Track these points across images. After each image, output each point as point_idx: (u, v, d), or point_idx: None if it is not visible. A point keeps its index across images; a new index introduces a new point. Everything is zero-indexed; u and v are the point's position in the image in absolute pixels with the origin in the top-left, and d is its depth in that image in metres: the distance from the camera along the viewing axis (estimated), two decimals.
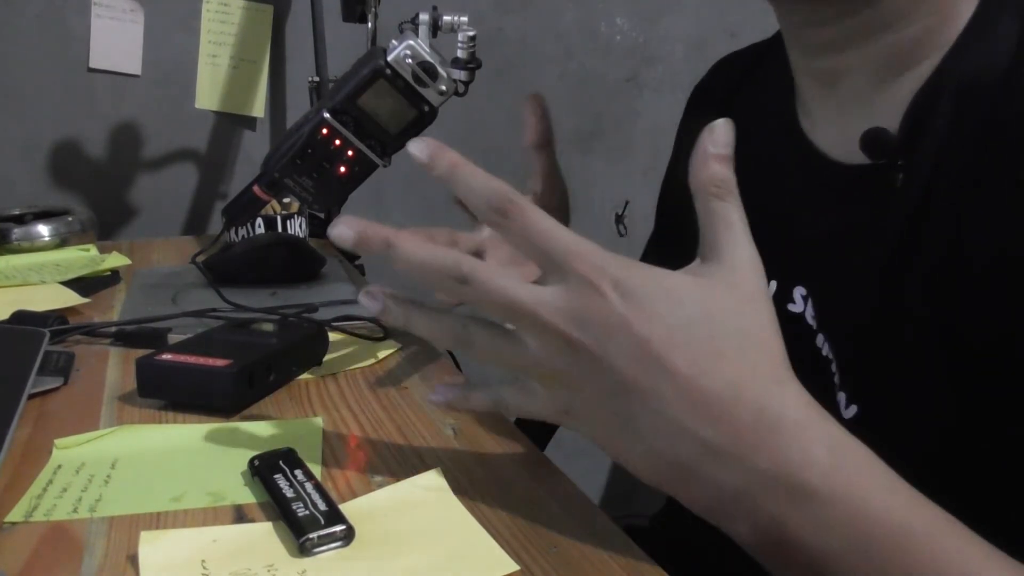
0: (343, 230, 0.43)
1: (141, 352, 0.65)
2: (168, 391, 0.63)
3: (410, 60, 0.64)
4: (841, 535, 0.38)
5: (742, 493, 0.39)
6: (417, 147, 0.42)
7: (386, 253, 0.43)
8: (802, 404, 0.40)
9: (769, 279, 0.60)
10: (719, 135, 0.43)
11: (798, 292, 0.58)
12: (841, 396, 0.54)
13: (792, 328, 0.57)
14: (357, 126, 0.66)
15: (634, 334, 0.39)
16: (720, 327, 0.40)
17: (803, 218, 0.58)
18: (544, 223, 0.41)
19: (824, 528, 0.38)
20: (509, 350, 0.42)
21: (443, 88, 0.65)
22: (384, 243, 0.43)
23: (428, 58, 0.64)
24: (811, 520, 0.38)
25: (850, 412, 0.53)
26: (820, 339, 0.56)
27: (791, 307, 0.58)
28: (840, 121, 0.56)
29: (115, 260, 1.04)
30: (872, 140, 0.52)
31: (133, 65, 1.37)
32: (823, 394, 0.54)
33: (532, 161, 0.60)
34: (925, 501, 0.39)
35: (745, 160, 0.66)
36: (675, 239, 0.76)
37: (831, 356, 0.55)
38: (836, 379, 0.54)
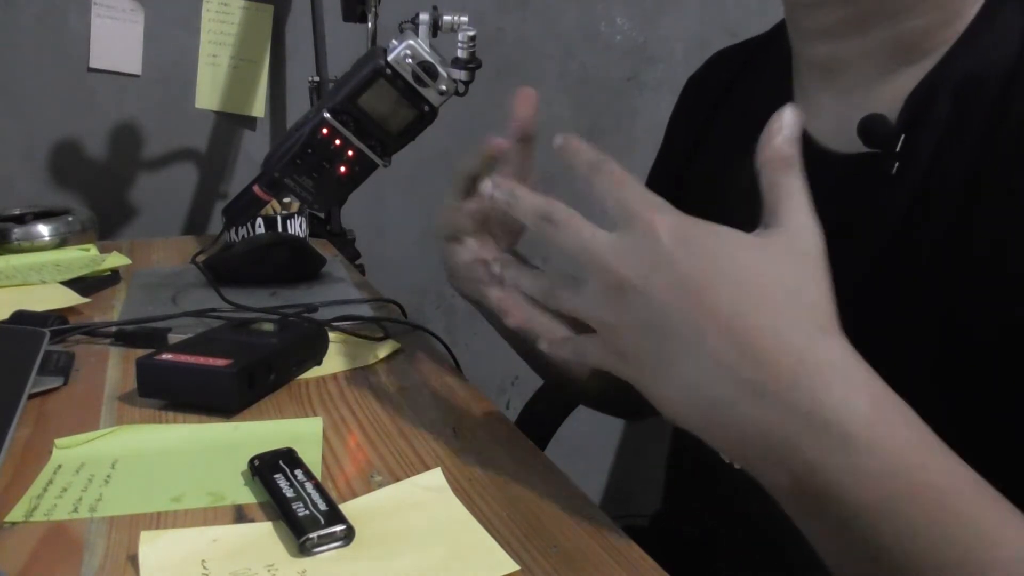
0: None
1: (141, 352, 0.65)
2: (168, 391, 0.63)
3: (410, 60, 0.64)
4: (878, 487, 0.37)
5: (780, 436, 0.38)
6: (557, 139, 0.47)
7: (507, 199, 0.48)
8: (848, 354, 0.40)
9: None
10: (786, 117, 0.43)
11: None
12: None
13: None
14: (357, 126, 0.66)
15: (676, 270, 0.40)
16: (769, 278, 0.40)
17: None
18: (625, 176, 0.44)
19: (862, 478, 0.37)
20: (575, 298, 0.45)
21: (443, 88, 0.65)
22: (510, 193, 0.48)
23: (428, 58, 0.64)
24: (849, 468, 0.37)
25: None
26: None
27: None
28: (839, 111, 0.56)
29: (115, 260, 1.03)
30: (870, 127, 0.52)
31: (133, 65, 1.37)
32: None
33: (510, 153, 0.60)
34: (964, 465, 0.38)
35: (741, 152, 0.66)
36: None
37: None
38: None
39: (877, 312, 0.51)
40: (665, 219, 0.41)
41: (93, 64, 1.35)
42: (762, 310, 0.39)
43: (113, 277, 1.00)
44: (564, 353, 0.48)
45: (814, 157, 0.58)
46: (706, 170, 0.70)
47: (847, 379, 0.39)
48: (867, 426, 0.37)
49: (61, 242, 1.13)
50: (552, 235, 0.45)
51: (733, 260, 0.40)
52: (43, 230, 1.13)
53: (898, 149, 0.51)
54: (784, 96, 0.62)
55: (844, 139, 0.55)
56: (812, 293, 0.40)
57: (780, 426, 0.38)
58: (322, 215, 1.31)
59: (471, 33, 0.67)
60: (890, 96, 0.53)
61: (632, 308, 0.41)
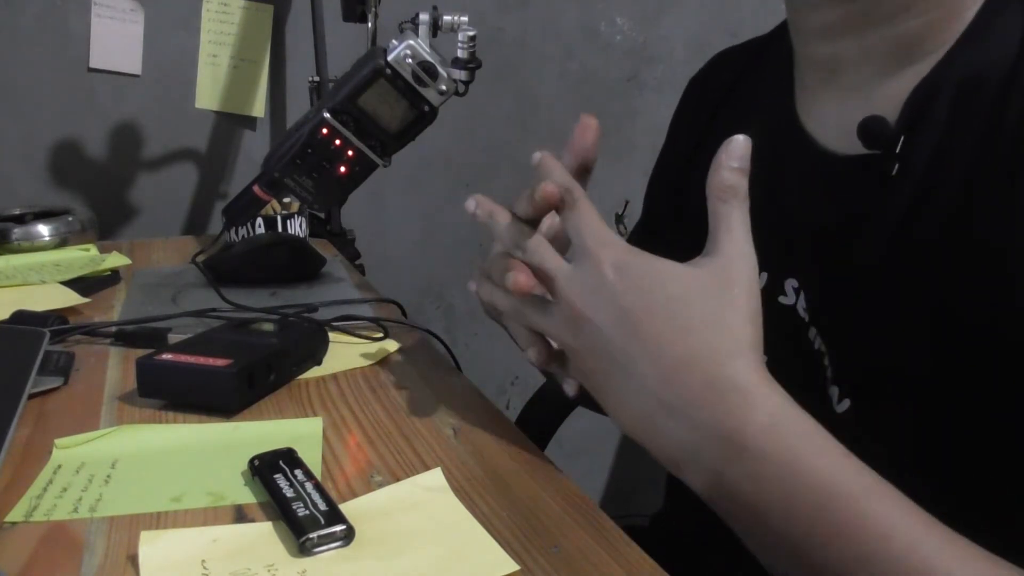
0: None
1: (141, 352, 0.65)
2: (168, 391, 0.63)
3: (410, 60, 0.64)
4: (772, 490, 0.42)
5: (690, 447, 0.45)
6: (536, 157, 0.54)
7: (486, 219, 0.55)
8: (752, 376, 0.44)
9: (760, 271, 0.60)
10: (734, 148, 0.47)
11: (790, 284, 0.58)
12: (834, 390, 0.54)
13: (783, 321, 0.57)
14: (357, 126, 0.66)
15: (618, 304, 0.47)
16: (694, 307, 0.46)
17: (798, 210, 0.58)
18: (589, 214, 0.50)
19: (757, 482, 0.42)
20: (543, 321, 0.52)
21: (443, 88, 0.65)
22: (488, 214, 0.55)
23: (428, 58, 0.64)
24: (745, 474, 0.43)
25: (843, 406, 0.53)
26: (812, 332, 0.56)
27: (782, 299, 0.58)
28: (839, 112, 0.56)
29: (115, 260, 1.03)
30: (869, 128, 0.52)
31: (133, 65, 1.37)
32: (814, 388, 0.55)
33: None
34: (858, 466, 0.42)
35: None
36: (662, 225, 0.76)
37: (823, 349, 0.55)
38: (828, 373, 0.54)
39: (877, 312, 0.51)
40: (609, 254, 0.48)
41: (93, 64, 1.35)
42: (681, 339, 0.45)
43: (113, 277, 1.00)
44: (548, 366, 0.54)
45: (815, 158, 0.58)
46: (708, 170, 0.69)
47: (747, 397, 0.44)
48: (759, 435, 0.43)
49: (61, 242, 1.13)
50: (523, 260, 0.52)
51: (664, 292, 0.46)
52: (43, 230, 1.12)
53: (898, 150, 0.51)
54: (786, 96, 0.62)
55: (845, 140, 0.55)
56: (731, 320, 0.45)
57: (690, 440, 0.44)
58: (322, 215, 1.31)
59: (471, 33, 0.67)
60: (890, 96, 0.53)
61: (585, 335, 0.48)
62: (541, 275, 0.51)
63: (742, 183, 0.47)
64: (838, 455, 0.42)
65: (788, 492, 0.42)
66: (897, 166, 0.51)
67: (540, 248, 0.52)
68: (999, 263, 0.46)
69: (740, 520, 0.45)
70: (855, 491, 0.41)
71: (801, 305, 0.57)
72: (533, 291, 0.52)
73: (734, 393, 0.44)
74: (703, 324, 0.45)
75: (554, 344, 0.54)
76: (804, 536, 0.41)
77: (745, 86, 0.70)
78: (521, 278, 0.51)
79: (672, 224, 0.73)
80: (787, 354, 0.58)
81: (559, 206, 0.51)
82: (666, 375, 0.45)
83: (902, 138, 0.51)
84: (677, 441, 0.45)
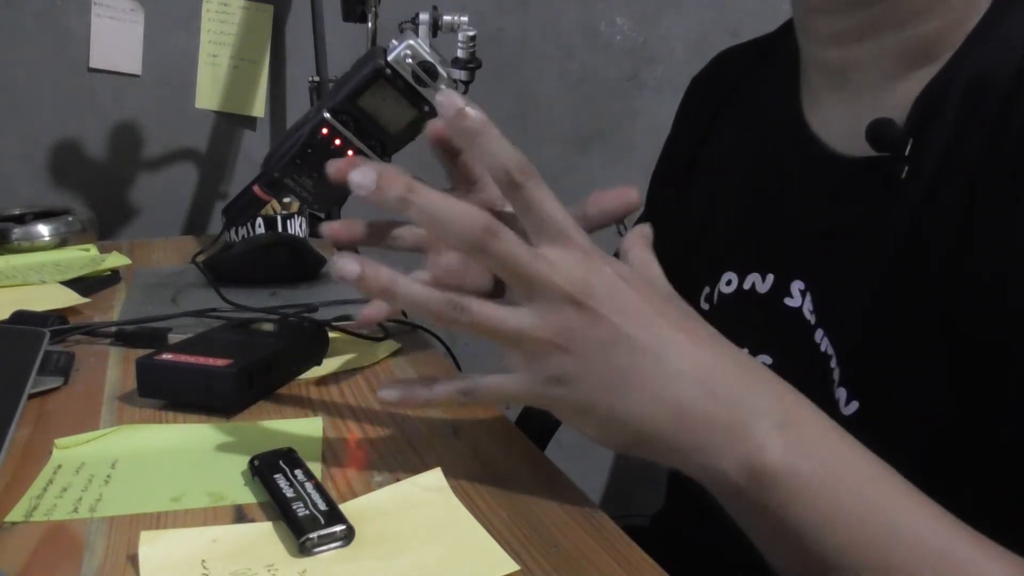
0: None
1: (141, 352, 0.65)
2: (168, 391, 0.63)
3: (410, 60, 0.64)
4: (815, 459, 0.43)
5: (730, 424, 0.44)
6: (443, 95, 0.43)
7: (404, 202, 0.43)
8: (758, 362, 0.48)
9: (766, 272, 0.60)
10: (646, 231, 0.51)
11: (796, 286, 0.58)
12: (841, 392, 0.53)
13: (789, 323, 0.57)
14: (357, 126, 0.66)
15: (634, 297, 0.45)
16: (686, 307, 0.48)
17: (804, 211, 0.58)
18: (553, 199, 0.45)
19: (801, 452, 0.43)
20: (512, 318, 0.44)
21: (443, 88, 0.65)
22: (405, 188, 0.43)
23: (428, 58, 0.64)
24: (789, 444, 0.43)
25: (850, 408, 0.53)
26: (819, 334, 0.56)
27: (788, 301, 0.58)
28: (847, 115, 0.56)
29: (115, 260, 1.03)
30: (878, 131, 0.52)
31: (133, 65, 1.37)
32: (820, 389, 0.54)
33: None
34: (872, 452, 0.44)
35: (746, 153, 0.66)
36: (664, 225, 0.76)
37: (831, 351, 0.55)
38: (836, 375, 0.54)
39: (885, 314, 0.51)
40: (599, 253, 0.46)
41: (93, 64, 1.35)
42: (697, 327, 0.47)
43: (113, 277, 1.00)
44: (440, 397, 0.49)
45: (821, 160, 0.58)
46: (711, 169, 0.69)
47: (772, 378, 0.46)
48: (795, 411, 0.45)
49: (61, 242, 1.13)
50: (500, 249, 0.43)
51: (658, 290, 0.48)
52: (43, 230, 1.13)
53: (906, 153, 0.51)
54: (791, 97, 0.62)
55: (852, 142, 0.55)
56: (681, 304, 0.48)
57: (732, 416, 0.44)
58: (322, 215, 1.31)
59: (471, 33, 0.67)
60: (899, 99, 0.53)
61: (593, 329, 0.44)
62: (522, 269, 0.43)
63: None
64: (849, 437, 0.44)
65: (834, 463, 0.43)
66: (906, 168, 0.51)
67: (516, 240, 0.43)
68: (1006, 265, 0.46)
69: (778, 506, 0.43)
70: (886, 467, 0.43)
71: (807, 307, 0.57)
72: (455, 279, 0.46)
73: (760, 371, 0.46)
74: (701, 321, 0.48)
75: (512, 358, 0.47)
76: (852, 516, 0.42)
77: (748, 86, 0.70)
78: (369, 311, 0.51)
79: (673, 224, 0.72)
80: (793, 356, 0.57)
81: (508, 187, 0.44)
82: (700, 357, 0.45)
83: (910, 141, 0.51)
84: (714, 423, 0.44)
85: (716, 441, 0.44)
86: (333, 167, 0.51)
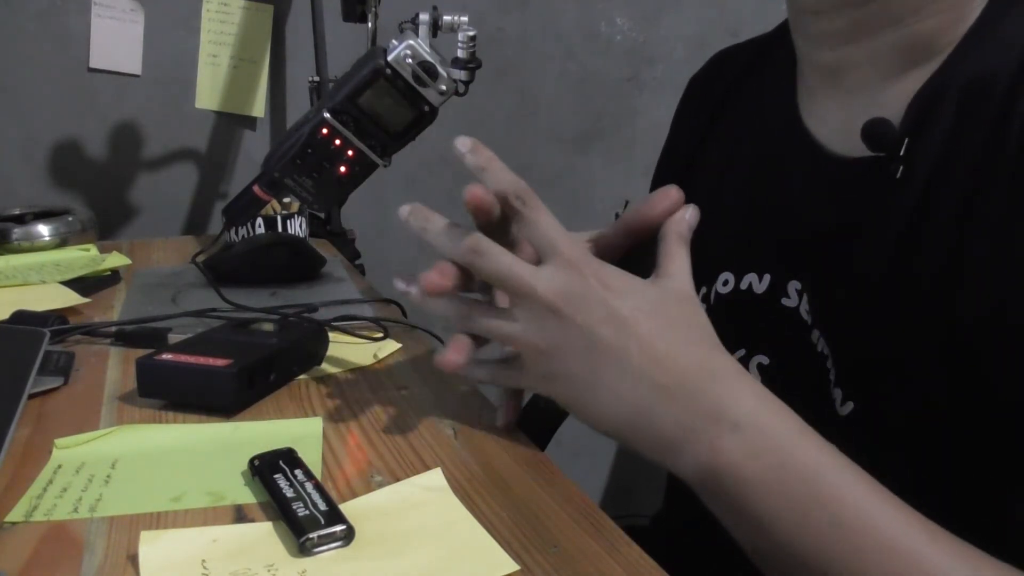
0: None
1: (141, 352, 0.65)
2: (168, 391, 0.63)
3: (410, 60, 0.64)
4: (761, 459, 0.45)
5: (688, 426, 0.47)
6: (462, 141, 0.52)
7: (423, 231, 0.53)
8: (732, 365, 0.50)
9: (763, 273, 0.60)
10: (691, 214, 0.54)
11: (792, 287, 0.58)
12: (837, 393, 0.54)
13: (785, 324, 0.57)
14: (357, 126, 0.66)
15: (609, 305, 0.49)
16: (669, 310, 0.50)
17: (801, 212, 0.58)
18: (550, 217, 0.51)
19: (750, 454, 0.45)
20: (505, 325, 0.51)
21: (443, 88, 0.65)
22: (424, 219, 0.53)
23: (428, 58, 0.64)
24: (739, 445, 0.46)
25: (846, 409, 0.53)
26: (815, 334, 0.56)
27: (785, 302, 0.58)
28: (843, 115, 0.56)
29: (115, 260, 1.03)
30: (874, 131, 0.52)
31: (133, 65, 1.37)
32: (817, 390, 0.55)
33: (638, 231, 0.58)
34: (833, 450, 0.46)
35: (744, 154, 0.66)
36: None
37: (827, 352, 0.55)
38: (832, 375, 0.54)
39: (881, 314, 0.51)
40: (587, 264, 0.50)
41: (93, 64, 1.35)
42: (669, 333, 0.49)
43: (113, 277, 1.00)
44: (480, 375, 0.56)
45: (818, 160, 0.58)
46: (710, 169, 0.69)
47: (736, 381, 0.48)
48: (751, 414, 0.47)
49: (61, 242, 1.13)
50: (487, 264, 0.51)
51: (642, 297, 0.50)
52: (43, 230, 1.13)
53: (902, 153, 0.51)
54: (788, 97, 0.62)
55: (848, 142, 0.55)
56: (700, 321, 0.51)
57: (687, 420, 0.47)
58: (322, 215, 1.31)
59: (471, 33, 0.67)
60: (895, 99, 0.53)
61: (570, 336, 0.49)
62: (507, 280, 0.50)
63: (689, 233, 0.54)
64: (814, 436, 0.46)
65: (774, 463, 0.45)
66: (901, 168, 0.51)
67: (493, 251, 0.50)
68: (1002, 265, 0.46)
69: (725, 496, 0.46)
70: (838, 467, 0.45)
71: (804, 308, 0.57)
72: (447, 291, 0.52)
73: (724, 375, 0.48)
74: (685, 323, 0.50)
75: (500, 350, 0.53)
76: (786, 511, 0.44)
77: (746, 86, 0.70)
78: (434, 276, 0.51)
79: None
80: (790, 357, 0.57)
81: (509, 209, 0.51)
82: (660, 361, 0.48)
83: (906, 140, 0.51)
84: (672, 424, 0.48)
85: (675, 442, 0.48)
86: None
